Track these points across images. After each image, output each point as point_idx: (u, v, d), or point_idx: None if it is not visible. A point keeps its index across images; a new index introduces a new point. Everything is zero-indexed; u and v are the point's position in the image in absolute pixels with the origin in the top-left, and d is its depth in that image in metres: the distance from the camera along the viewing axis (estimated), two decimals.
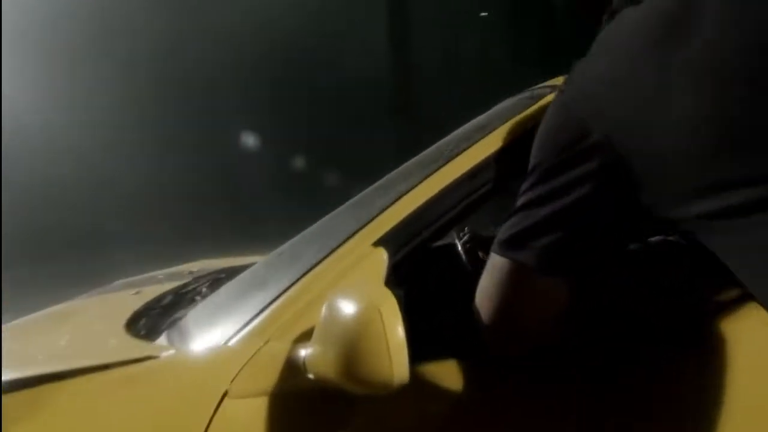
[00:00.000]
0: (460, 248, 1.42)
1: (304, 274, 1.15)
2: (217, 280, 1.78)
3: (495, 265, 0.91)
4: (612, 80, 0.82)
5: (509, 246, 0.88)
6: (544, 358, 0.96)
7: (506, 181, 1.15)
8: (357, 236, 1.15)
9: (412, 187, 1.18)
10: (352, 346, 0.86)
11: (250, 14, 8.04)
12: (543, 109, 1.18)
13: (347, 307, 0.91)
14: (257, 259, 2.14)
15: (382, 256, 1.11)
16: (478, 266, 1.43)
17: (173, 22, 7.70)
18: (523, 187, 0.90)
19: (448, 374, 1.00)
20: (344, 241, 1.16)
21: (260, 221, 6.26)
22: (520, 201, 0.90)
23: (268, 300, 1.15)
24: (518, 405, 1.00)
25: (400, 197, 1.18)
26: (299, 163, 7.82)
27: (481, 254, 1.43)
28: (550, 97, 1.21)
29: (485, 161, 1.15)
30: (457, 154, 1.19)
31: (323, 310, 0.98)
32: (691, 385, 0.96)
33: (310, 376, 0.98)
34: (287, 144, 7.87)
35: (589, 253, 0.84)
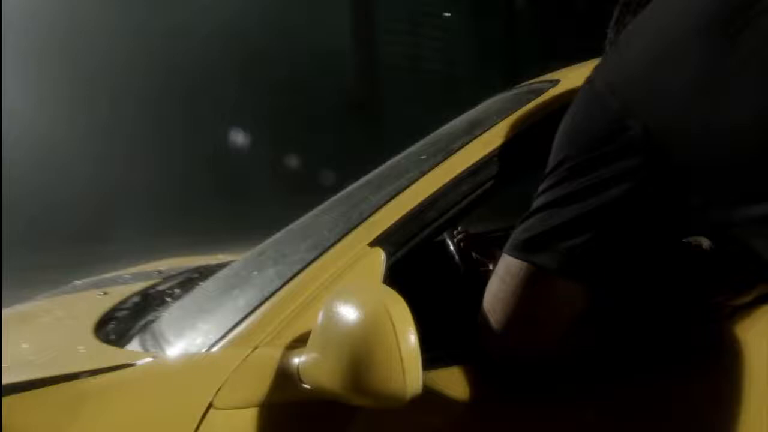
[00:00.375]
0: (452, 247, 1.37)
1: (295, 276, 1.07)
2: (190, 280, 1.68)
3: (510, 268, 0.85)
4: (656, 65, 0.75)
5: (529, 248, 0.82)
6: (553, 366, 0.91)
7: (509, 178, 1.10)
8: (352, 235, 1.08)
9: (409, 184, 1.12)
10: (359, 354, 0.79)
11: (211, 10, 7.88)
12: (546, 104, 1.14)
13: (349, 312, 0.84)
14: (228, 259, 2.05)
15: (380, 256, 1.04)
16: (471, 266, 1.38)
17: (133, 19, 7.51)
18: (545, 185, 0.84)
19: (451, 382, 0.94)
20: (337, 241, 1.09)
21: (212, 218, 6.13)
22: (541, 200, 0.83)
23: (254, 303, 1.07)
24: (523, 415, 0.95)
25: (396, 194, 1.11)
26: (260, 159, 7.69)
27: (474, 254, 1.38)
28: (552, 92, 1.16)
29: (487, 157, 1.10)
30: (457, 150, 1.14)
31: (321, 314, 0.91)
32: (707, 395, 0.92)
33: (306, 386, 0.91)
34: (249, 140, 7.73)
35: (620, 259, 0.78)
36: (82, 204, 6.54)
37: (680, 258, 0.86)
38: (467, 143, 1.14)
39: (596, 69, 0.87)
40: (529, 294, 0.83)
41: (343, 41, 9.67)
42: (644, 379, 0.93)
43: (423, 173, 1.13)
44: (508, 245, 0.87)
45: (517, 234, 0.85)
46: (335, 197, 1.52)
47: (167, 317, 1.34)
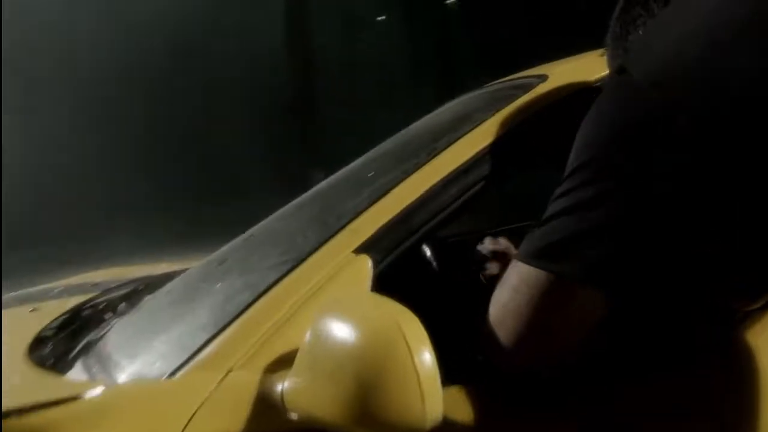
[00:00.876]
0: (429, 254, 1.28)
1: (270, 288, 0.95)
2: (135, 293, 1.53)
3: (526, 278, 0.77)
4: (707, 58, 0.70)
5: (549, 256, 0.75)
6: (564, 374, 0.84)
7: (501, 178, 1.02)
8: (333, 242, 0.98)
9: (393, 186, 1.02)
10: (366, 378, 0.68)
11: (145, 7, 7.56)
12: (537, 100, 1.08)
13: (348, 330, 0.74)
14: (175, 268, 1.89)
15: (366, 264, 0.94)
16: (450, 274, 1.30)
17: (65, 15, 7.12)
18: (565, 187, 0.76)
19: (452, 404, 0.85)
20: (317, 248, 0.98)
21: (150, 221, 5.87)
22: (561, 204, 0.76)
23: (223, 319, 0.95)
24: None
25: (379, 197, 1.02)
26: (194, 161, 7.42)
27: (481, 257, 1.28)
28: (541, 88, 1.10)
29: (477, 156, 1.02)
30: (443, 149, 1.05)
31: (308, 333, 0.80)
32: (719, 401, 0.87)
33: (292, 415, 0.80)
34: (183, 141, 7.45)
35: (652, 265, 0.72)
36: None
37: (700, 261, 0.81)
38: (453, 141, 1.06)
39: (627, 59, 0.81)
40: (548, 304, 0.75)
41: (276, 42, 9.50)
42: (654, 385, 0.87)
43: (407, 174, 1.04)
44: (522, 253, 0.79)
45: (534, 241, 0.78)
46: (300, 200, 1.41)
47: (114, 337, 1.19)
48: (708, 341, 0.87)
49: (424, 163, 1.04)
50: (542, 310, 0.76)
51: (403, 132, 1.52)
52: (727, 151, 0.69)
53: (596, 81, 1.08)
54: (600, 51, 1.18)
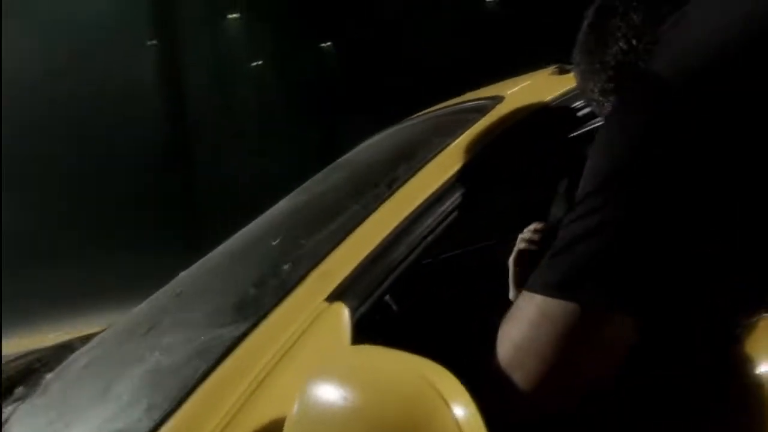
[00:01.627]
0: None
1: (228, 352, 0.80)
2: (30, 372, 1.27)
3: (546, 312, 0.68)
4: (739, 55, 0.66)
5: (573, 285, 0.66)
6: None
7: (474, 203, 0.94)
8: (300, 290, 0.84)
9: (360, 221, 0.91)
10: None
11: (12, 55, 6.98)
12: (500, 122, 1.02)
13: (353, 393, 0.61)
14: (67, 337, 1.63)
15: (343, 313, 0.82)
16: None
17: None
18: (580, 212, 0.69)
19: None
20: (281, 298, 0.84)
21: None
22: (578, 229, 0.68)
23: (172, 398, 0.78)
24: None
25: (346, 234, 0.90)
26: (65, 217, 6.84)
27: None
28: (502, 109, 1.05)
29: (449, 182, 0.93)
30: (407, 179, 0.96)
31: (298, 402, 0.66)
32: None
33: None
34: (53, 195, 6.86)
35: (675, 279, 0.66)
36: None
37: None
38: (417, 169, 0.97)
39: (646, 58, 0.76)
40: (577, 338, 0.67)
41: (150, 89, 9.12)
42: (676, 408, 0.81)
43: (370, 207, 0.93)
44: (540, 285, 0.70)
45: (553, 271, 0.69)
46: (228, 247, 1.26)
47: (18, 428, 0.97)
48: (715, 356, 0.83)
49: (389, 194, 0.94)
50: (570, 345, 0.67)
51: (338, 164, 1.41)
52: (733, 148, 0.66)
53: (552, 100, 1.04)
54: (550, 69, 1.15)
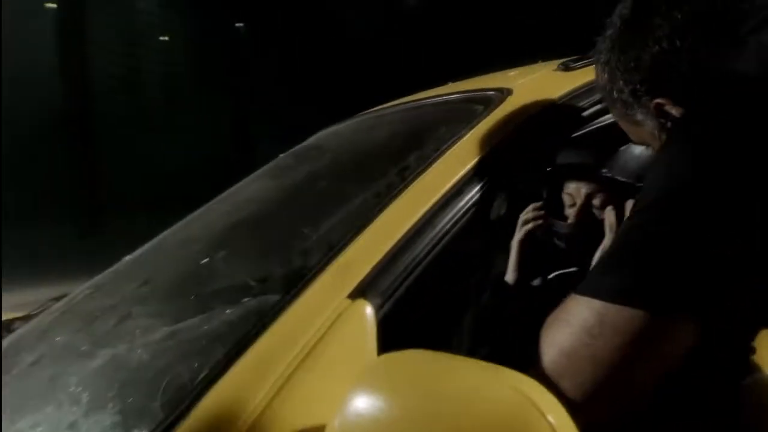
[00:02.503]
0: None
1: (237, 355, 0.71)
2: None
3: (608, 319, 0.65)
4: None
5: (640, 292, 0.63)
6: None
7: (492, 196, 0.90)
8: (317, 285, 0.77)
9: (376, 212, 0.84)
10: None
11: None
12: (512, 115, 0.99)
13: (414, 403, 0.55)
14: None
15: (367, 312, 0.75)
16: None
17: None
18: (643, 218, 0.66)
19: None
20: (297, 294, 0.76)
21: None
22: (641, 234, 0.66)
23: (172, 406, 0.69)
24: None
25: (362, 226, 0.83)
26: None
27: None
28: (511, 103, 1.01)
29: (468, 174, 0.89)
30: (424, 169, 0.90)
31: (339, 417, 0.59)
32: None
33: None
34: None
35: (749, 282, 0.65)
36: None
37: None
38: (433, 159, 0.91)
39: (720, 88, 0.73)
40: (642, 345, 0.64)
41: (50, 60, 8.47)
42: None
43: (385, 198, 0.87)
44: (600, 290, 0.66)
45: (615, 276, 0.66)
46: (189, 231, 1.14)
47: None
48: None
49: (405, 184, 0.88)
50: (633, 352, 0.64)
51: (304, 152, 1.33)
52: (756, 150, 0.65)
53: (560, 98, 1.02)
54: (553, 65, 1.13)
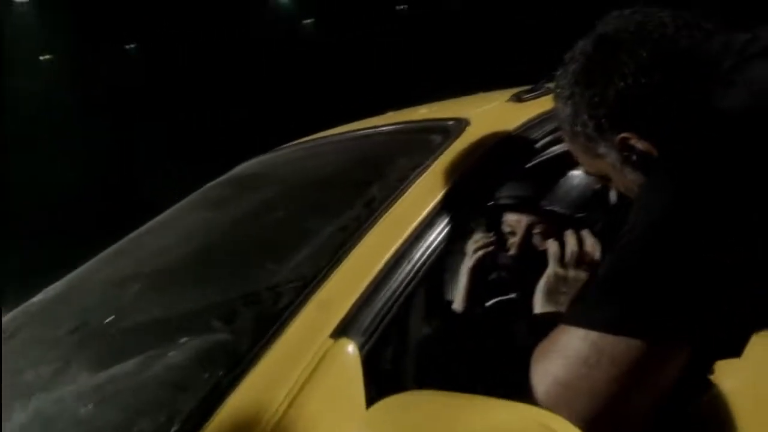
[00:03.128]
0: None
1: (211, 411, 0.64)
2: None
3: (602, 348, 0.64)
4: None
5: (637, 321, 0.64)
6: None
7: (462, 224, 0.90)
8: (296, 324, 0.72)
9: (349, 246, 0.81)
10: None
11: None
12: (475, 146, 0.99)
13: None
14: None
15: (351, 351, 0.71)
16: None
17: None
18: (632, 246, 0.68)
19: None
20: (273, 335, 0.70)
21: None
22: (631, 262, 0.67)
23: None
24: None
25: (336, 260, 0.79)
26: None
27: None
28: (472, 133, 1.01)
29: (438, 204, 0.87)
30: (391, 199, 0.88)
31: None
32: None
33: None
34: None
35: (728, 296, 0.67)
36: None
37: None
38: (401, 191, 0.89)
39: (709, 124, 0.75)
40: (641, 373, 0.64)
41: None
42: None
43: (356, 231, 0.83)
44: (594, 320, 0.66)
45: (608, 306, 0.66)
46: (140, 265, 1.05)
47: None
48: None
49: (376, 216, 0.85)
50: (631, 381, 0.65)
51: (239, 181, 1.27)
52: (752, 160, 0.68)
53: (516, 129, 1.03)
54: (505, 96, 1.15)
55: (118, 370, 0.74)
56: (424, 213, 0.85)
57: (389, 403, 0.60)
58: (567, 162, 1.02)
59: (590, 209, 1.10)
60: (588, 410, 0.66)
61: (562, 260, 1.00)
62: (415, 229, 0.83)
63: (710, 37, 0.80)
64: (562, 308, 0.98)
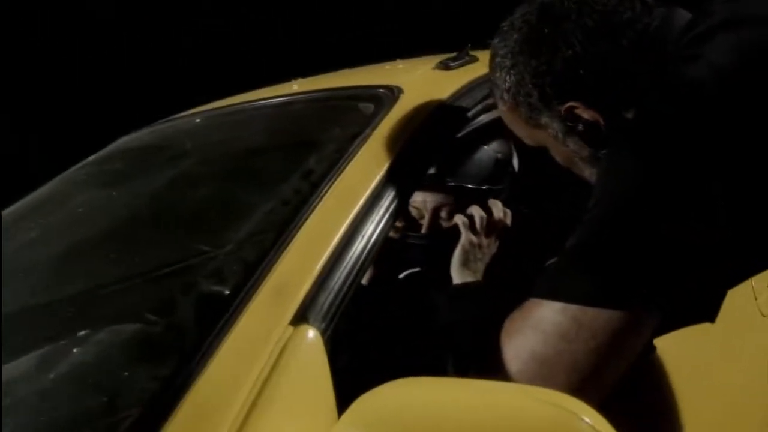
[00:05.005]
0: None
1: (165, 413, 0.56)
2: None
3: (582, 322, 0.62)
4: None
5: (616, 291, 0.63)
6: None
7: (407, 196, 0.85)
8: (249, 315, 0.64)
9: (296, 223, 0.74)
10: None
11: None
12: (413, 114, 0.94)
13: None
14: None
15: (314, 339, 0.64)
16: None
17: None
18: (603, 215, 0.67)
19: None
20: (225, 326, 0.62)
21: None
22: (605, 233, 0.66)
23: None
24: None
25: (284, 240, 0.71)
26: None
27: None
28: (407, 101, 0.96)
29: (386, 176, 0.82)
30: (332, 170, 0.81)
31: None
32: None
33: None
34: None
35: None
36: None
37: None
38: (344, 162, 0.83)
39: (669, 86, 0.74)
40: (620, 345, 0.63)
41: None
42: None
43: (300, 206, 0.76)
44: (573, 294, 0.64)
45: (586, 278, 0.65)
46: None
47: None
48: None
49: (321, 190, 0.78)
50: (611, 353, 0.64)
51: (151, 147, 1.14)
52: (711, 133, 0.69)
53: (449, 98, 1.00)
54: (432, 64, 1.11)
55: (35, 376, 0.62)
56: (372, 185, 0.79)
57: (377, 396, 0.54)
58: (471, 135, 1.01)
59: (494, 180, 1.10)
60: (566, 385, 0.64)
61: (473, 228, 1.00)
62: (366, 202, 0.77)
63: (651, 11, 0.81)
64: (479, 276, 0.99)
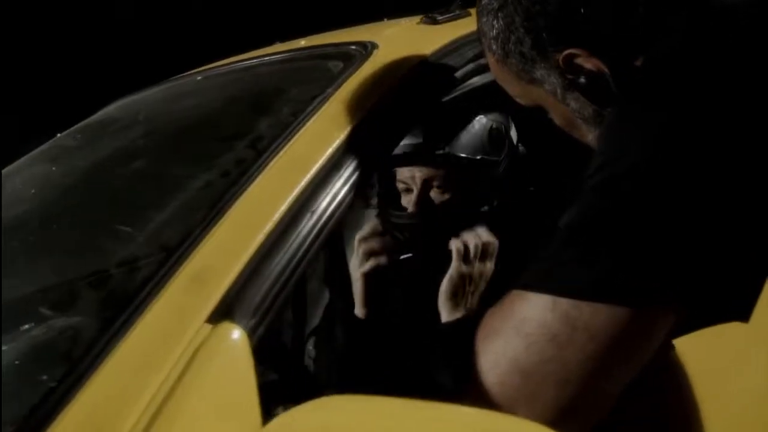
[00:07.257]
0: None
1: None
2: None
3: (576, 321, 0.49)
4: None
5: (624, 283, 0.49)
6: None
7: (377, 166, 0.73)
8: (157, 309, 0.52)
9: (229, 198, 0.61)
10: None
11: None
12: (385, 71, 0.81)
13: None
14: None
15: (238, 339, 0.52)
16: None
17: None
18: (623, 189, 0.52)
19: None
20: (123, 328, 0.51)
21: None
22: (606, 215, 0.53)
23: None
24: None
25: (212, 218, 0.59)
26: None
27: None
28: (381, 58, 0.83)
29: (346, 142, 0.69)
30: (282, 138, 0.69)
31: None
32: None
33: None
34: None
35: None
36: None
37: None
38: (296, 127, 0.70)
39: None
40: (625, 347, 0.50)
41: None
42: None
43: (238, 178, 0.64)
44: (566, 286, 0.51)
45: (587, 266, 0.50)
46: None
47: None
48: None
49: (264, 159, 0.65)
50: (615, 358, 0.51)
51: (111, 119, 1.03)
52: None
53: (432, 54, 0.87)
54: (417, 18, 0.98)
55: None
56: (328, 152, 0.67)
57: (296, 416, 0.42)
58: (460, 99, 0.89)
59: (490, 150, 0.97)
60: (556, 403, 0.51)
61: (467, 257, 0.90)
62: (318, 172, 0.65)
63: None
64: (472, 312, 0.87)
